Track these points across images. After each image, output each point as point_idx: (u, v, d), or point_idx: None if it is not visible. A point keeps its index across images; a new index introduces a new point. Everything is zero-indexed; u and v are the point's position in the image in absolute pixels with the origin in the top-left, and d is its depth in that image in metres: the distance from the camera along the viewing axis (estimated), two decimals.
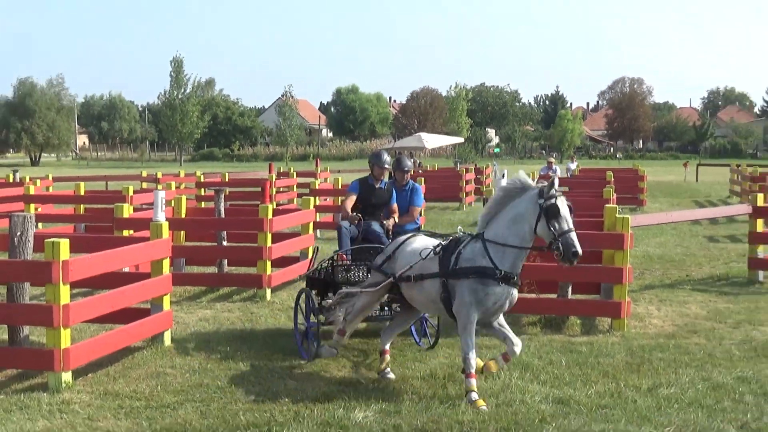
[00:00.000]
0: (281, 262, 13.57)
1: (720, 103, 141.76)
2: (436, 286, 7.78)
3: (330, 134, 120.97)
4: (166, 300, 9.84)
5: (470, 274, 7.57)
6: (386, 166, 10.86)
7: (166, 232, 10.04)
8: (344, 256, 9.88)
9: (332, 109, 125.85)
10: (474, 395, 7.41)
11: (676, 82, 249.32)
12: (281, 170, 35.50)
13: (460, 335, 7.69)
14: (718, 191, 37.80)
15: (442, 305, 7.86)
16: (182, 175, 32.84)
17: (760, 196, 14.88)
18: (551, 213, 7.34)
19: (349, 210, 10.37)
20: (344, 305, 8.72)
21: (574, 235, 7.38)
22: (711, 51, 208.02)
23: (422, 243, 8.27)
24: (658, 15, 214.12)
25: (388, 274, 8.27)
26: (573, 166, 38.85)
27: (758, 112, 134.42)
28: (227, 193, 17.93)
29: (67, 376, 8.05)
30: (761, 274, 14.03)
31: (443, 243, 8.01)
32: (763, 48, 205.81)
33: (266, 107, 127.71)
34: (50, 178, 28.78)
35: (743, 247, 16.31)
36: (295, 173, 32.76)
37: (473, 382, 7.49)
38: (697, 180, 47.33)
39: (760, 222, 14.22)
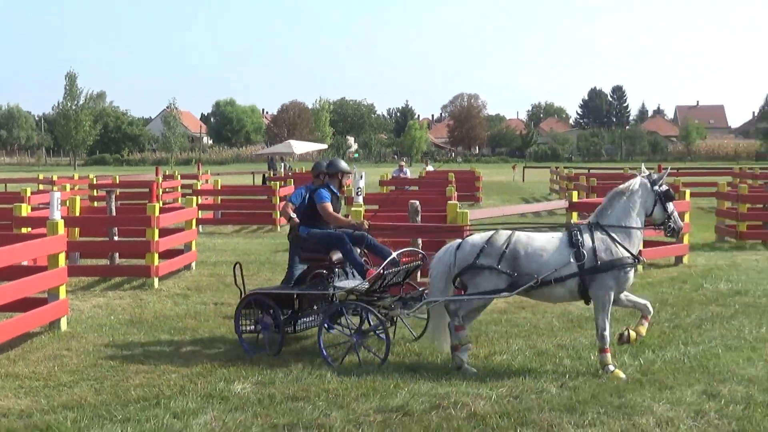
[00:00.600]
0: (167, 255, 13.39)
1: (542, 115, 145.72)
2: (576, 280, 7.55)
3: (210, 141, 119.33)
4: (62, 290, 9.59)
5: (617, 267, 7.52)
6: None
7: (61, 229, 9.83)
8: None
9: (212, 119, 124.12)
10: (611, 367, 7.41)
11: (506, 97, 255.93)
12: (167, 173, 35.03)
13: (598, 315, 7.61)
14: (540, 189, 38.89)
15: (578, 294, 7.70)
16: (76, 177, 32.18)
17: (575, 194, 15.44)
18: (667, 197, 7.73)
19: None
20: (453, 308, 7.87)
21: (677, 214, 7.88)
22: (534, 71, 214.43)
23: (541, 241, 7.85)
24: (490, 39, 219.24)
25: (509, 273, 7.62)
26: (431, 168, 39.51)
27: (572, 124, 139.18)
28: (118, 193, 17.50)
29: None
30: None
31: (564, 237, 7.79)
32: (576, 68, 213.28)
33: (153, 117, 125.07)
34: None
35: None
36: (179, 176, 32.46)
37: (608, 356, 7.48)
38: (523, 180, 48.65)
39: (575, 214, 14.71)
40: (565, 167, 41.24)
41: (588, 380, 7.23)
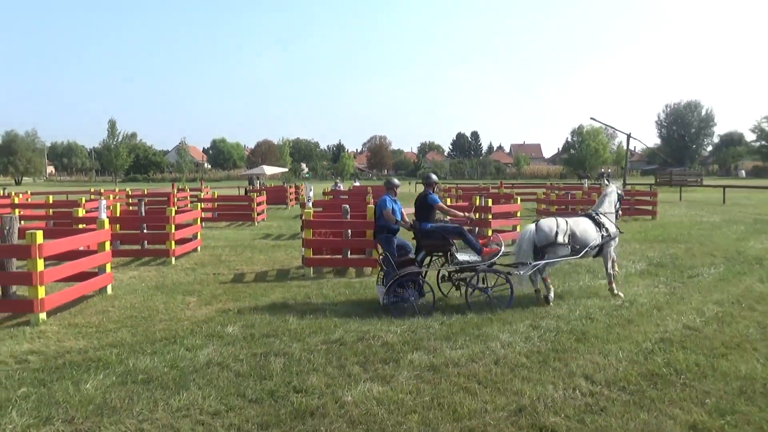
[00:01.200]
0: (181, 242, 13.04)
1: (427, 149, 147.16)
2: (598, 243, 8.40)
3: (209, 166, 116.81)
4: (108, 266, 9.21)
5: (615, 237, 8.66)
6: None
7: (107, 225, 9.49)
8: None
9: (210, 151, 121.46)
10: (619, 293, 8.48)
11: (404, 136, 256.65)
12: (179, 188, 34.06)
13: (607, 265, 8.60)
14: None
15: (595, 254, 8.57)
16: (117, 190, 30.92)
17: (448, 200, 15.53)
18: (621, 197, 9.15)
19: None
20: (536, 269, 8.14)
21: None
22: (421, 119, 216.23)
23: (583, 224, 8.46)
24: (396, 97, 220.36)
25: (570, 245, 8.25)
26: (357, 183, 39.62)
27: (446, 155, 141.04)
28: (146, 201, 16.91)
29: (43, 315, 7.41)
30: None
31: (591, 221, 8.55)
32: (449, 118, 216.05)
33: (169, 150, 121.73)
34: (29, 193, 26.27)
35: None
36: (188, 189, 31.82)
37: (614, 288, 8.53)
38: (416, 191, 48.89)
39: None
40: (441, 183, 41.70)
41: (458, 319, 7.33)
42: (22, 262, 9.00)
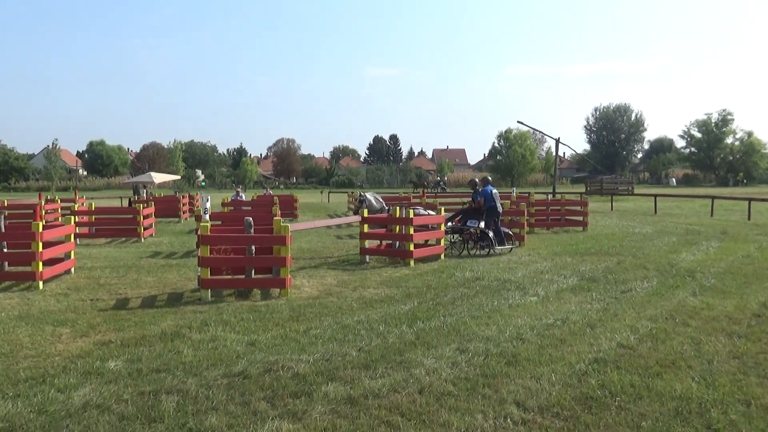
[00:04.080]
0: (50, 262, 12.30)
1: (340, 154, 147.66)
2: None
3: (85, 173, 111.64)
4: None
5: None
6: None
7: None
8: None
9: (86, 155, 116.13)
10: None
11: (315, 141, 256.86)
12: (48, 198, 32.33)
13: None
14: (341, 208, 39.34)
15: None
16: None
17: (365, 211, 15.68)
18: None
19: None
20: None
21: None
22: (334, 120, 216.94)
23: None
24: (301, 95, 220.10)
25: None
26: (269, 192, 39.03)
27: (363, 161, 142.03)
28: (6, 214, 15.92)
29: None
30: (367, 257, 14.78)
31: None
32: (364, 120, 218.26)
33: (36, 153, 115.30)
34: None
35: (356, 242, 17.10)
36: (59, 200, 30.26)
37: None
38: (329, 201, 49.02)
39: (366, 226, 14.98)
40: (354, 191, 41.94)
41: (378, 345, 7.37)
42: None
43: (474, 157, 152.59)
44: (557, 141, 46.42)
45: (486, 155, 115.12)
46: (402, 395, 5.72)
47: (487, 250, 15.83)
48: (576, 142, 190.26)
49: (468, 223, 16.30)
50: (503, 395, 5.72)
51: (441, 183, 74.10)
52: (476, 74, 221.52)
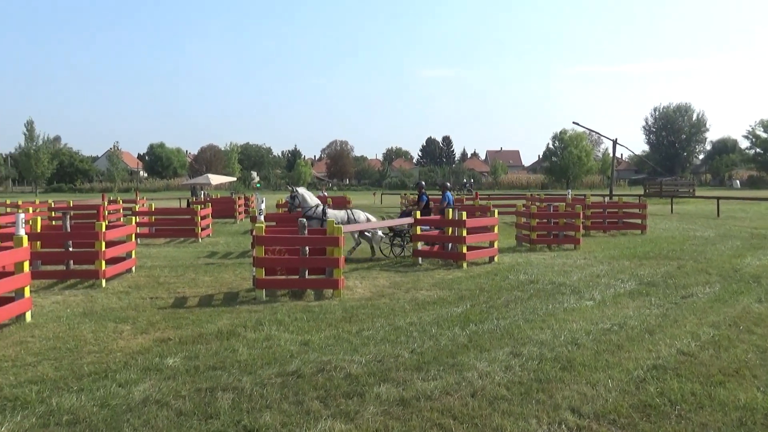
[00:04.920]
0: (112, 261, 12.76)
1: (393, 156, 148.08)
2: None
3: (145, 174, 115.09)
4: (27, 290, 8.98)
5: None
6: None
7: (25, 242, 9.22)
8: None
9: (146, 157, 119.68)
10: None
11: (368, 143, 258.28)
12: (111, 199, 33.45)
13: None
14: (394, 209, 39.44)
15: None
16: (37, 202, 30.23)
17: (417, 213, 15.68)
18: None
19: None
20: None
21: None
22: (387, 123, 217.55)
23: None
24: (354, 100, 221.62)
25: None
26: (324, 193, 39.37)
27: (415, 162, 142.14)
28: (72, 214, 16.54)
29: None
30: (420, 259, 14.76)
31: None
32: (417, 122, 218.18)
33: (99, 156, 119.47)
34: None
35: (408, 243, 17.09)
36: (121, 201, 31.29)
37: None
38: (381, 203, 49.20)
39: (418, 228, 14.96)
40: (410, 194, 41.98)
41: (431, 347, 7.35)
42: None
43: (528, 158, 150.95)
44: (614, 142, 45.39)
45: (540, 157, 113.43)
46: (454, 398, 5.69)
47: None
48: (634, 143, 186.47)
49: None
50: (558, 401, 5.62)
51: (468, 185, 73.79)
52: (531, 74, 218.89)
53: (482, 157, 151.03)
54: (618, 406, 5.51)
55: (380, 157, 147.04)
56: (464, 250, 14.18)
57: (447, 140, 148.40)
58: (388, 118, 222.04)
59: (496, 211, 16.68)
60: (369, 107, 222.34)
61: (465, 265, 14.02)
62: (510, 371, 6.43)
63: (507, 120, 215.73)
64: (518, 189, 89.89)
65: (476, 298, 10.40)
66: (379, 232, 15.85)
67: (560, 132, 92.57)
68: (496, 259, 14.95)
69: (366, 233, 15.69)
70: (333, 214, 15.79)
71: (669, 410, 5.44)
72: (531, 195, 35.95)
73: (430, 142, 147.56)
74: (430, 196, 18.16)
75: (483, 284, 11.76)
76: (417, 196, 17.91)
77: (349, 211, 16.07)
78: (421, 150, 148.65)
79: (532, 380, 6.15)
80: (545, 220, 18.62)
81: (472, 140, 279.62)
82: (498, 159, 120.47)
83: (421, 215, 15.56)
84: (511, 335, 7.86)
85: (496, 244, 15.31)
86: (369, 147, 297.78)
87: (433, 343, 7.53)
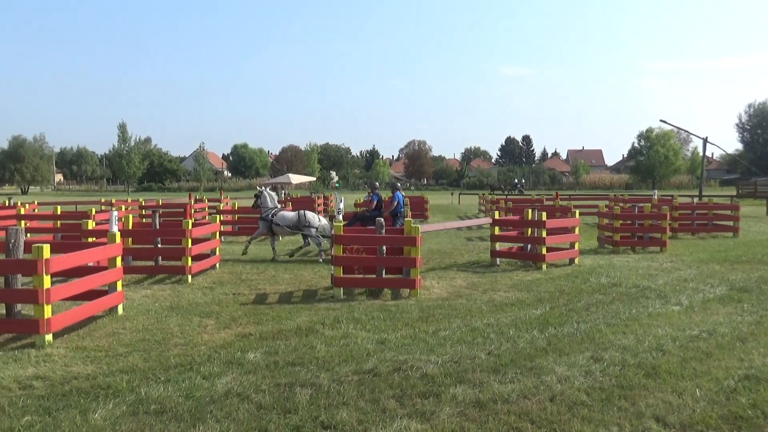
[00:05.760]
0: (197, 258, 13.24)
1: (471, 156, 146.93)
2: None
3: (229, 174, 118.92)
4: (119, 284, 9.42)
5: None
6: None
7: (118, 239, 9.65)
8: None
9: (230, 158, 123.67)
10: None
11: (446, 142, 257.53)
12: (197, 198, 34.70)
13: None
14: (471, 210, 39.13)
15: None
16: (129, 200, 31.74)
17: (496, 213, 15.51)
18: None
19: None
20: None
21: None
22: (466, 123, 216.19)
23: None
24: (434, 98, 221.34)
25: None
26: (285, 196, 39.79)
27: (494, 162, 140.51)
28: (161, 212, 17.25)
29: (49, 337, 7.59)
30: (498, 260, 14.59)
31: None
32: (496, 121, 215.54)
33: (186, 156, 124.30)
34: (36, 203, 27.14)
35: (486, 244, 16.94)
36: (206, 200, 32.41)
37: None
38: (459, 203, 48.91)
39: (496, 228, 14.81)
40: (489, 194, 41.56)
41: (508, 349, 7.24)
42: (27, 278, 9.30)
43: (612, 158, 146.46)
44: (705, 140, 43.41)
45: (625, 156, 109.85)
46: (532, 402, 5.59)
47: None
48: (726, 142, 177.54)
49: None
50: (641, 408, 5.42)
51: (519, 185, 72.18)
52: (615, 71, 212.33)
53: (563, 156, 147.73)
54: (706, 416, 5.26)
55: (458, 156, 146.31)
56: (543, 251, 13.93)
57: (527, 139, 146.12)
58: (467, 117, 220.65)
59: (577, 211, 16.27)
60: (447, 106, 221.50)
61: (544, 266, 13.76)
62: (590, 376, 6.26)
63: (589, 118, 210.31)
64: (601, 189, 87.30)
65: (556, 301, 10.18)
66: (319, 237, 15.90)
67: (646, 130, 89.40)
68: (576, 261, 14.59)
69: (312, 234, 16.00)
70: (282, 215, 16.41)
71: (762, 423, 5.15)
72: (614, 195, 34.86)
73: (510, 141, 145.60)
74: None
75: (563, 286, 11.50)
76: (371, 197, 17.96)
77: (300, 212, 16.39)
78: (500, 149, 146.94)
79: (613, 386, 5.96)
80: (629, 222, 18.02)
81: (552, 139, 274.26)
82: (579, 158, 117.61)
83: (370, 215, 16.12)
84: (592, 339, 7.65)
85: (576, 246, 14.93)
86: (447, 146, 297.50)
87: (510, 345, 7.42)
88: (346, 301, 10.37)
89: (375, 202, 17.20)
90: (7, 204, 26.86)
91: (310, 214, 16.27)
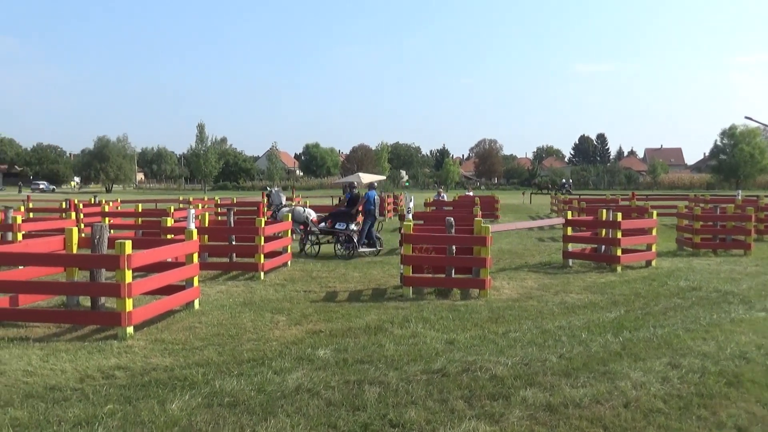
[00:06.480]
0: (270, 255, 13.53)
1: (544, 155, 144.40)
2: None
3: (301, 173, 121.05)
4: (196, 279, 9.74)
5: None
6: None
7: (195, 236, 9.98)
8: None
9: (302, 157, 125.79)
10: None
11: (518, 141, 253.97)
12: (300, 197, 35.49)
13: None
14: (543, 210, 38.44)
15: None
16: (206, 199, 32.71)
17: (569, 213, 15.18)
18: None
19: None
20: None
21: None
22: (539, 121, 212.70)
23: None
24: (506, 97, 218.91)
25: None
26: (471, 193, 39.46)
27: (567, 161, 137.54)
28: (235, 210, 17.72)
29: (130, 330, 7.91)
30: (570, 261, 14.29)
31: None
32: (569, 120, 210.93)
33: (260, 156, 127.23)
34: (119, 201, 28.39)
35: (559, 245, 16.62)
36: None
37: None
38: (530, 203, 48.14)
39: (569, 229, 14.50)
40: (560, 194, 40.71)
41: (580, 353, 7.08)
42: (110, 272, 9.75)
43: (692, 156, 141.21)
44: None
45: (706, 155, 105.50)
46: (605, 407, 5.44)
47: (351, 251, 16.13)
48: None
49: (336, 226, 16.57)
50: (722, 418, 5.19)
51: (566, 185, 69.99)
52: (697, 65, 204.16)
53: (640, 155, 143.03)
54: None
55: (530, 155, 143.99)
56: (619, 252, 13.53)
57: (602, 138, 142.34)
58: (539, 115, 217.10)
59: (655, 212, 15.72)
60: (519, 105, 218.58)
61: (619, 268, 13.38)
62: (667, 383, 6.03)
63: (669, 115, 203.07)
64: (680, 189, 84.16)
65: (631, 304, 9.88)
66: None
67: (729, 127, 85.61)
68: (653, 263, 14.11)
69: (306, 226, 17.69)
70: (283, 213, 19.03)
71: None
72: (695, 196, 33.51)
73: (584, 140, 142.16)
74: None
75: (639, 289, 11.15)
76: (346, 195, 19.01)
77: (296, 209, 18.84)
78: (573, 148, 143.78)
79: (692, 394, 5.73)
80: (710, 223, 17.29)
81: (629, 137, 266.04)
82: (657, 157, 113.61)
83: (344, 211, 16.95)
84: (669, 345, 7.38)
85: (654, 248, 14.44)
86: (518, 145, 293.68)
87: (583, 348, 7.25)
88: (415, 300, 10.37)
89: (348, 199, 17.99)
90: (92, 202, 28.17)
91: (298, 210, 19.12)
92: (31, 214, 23.54)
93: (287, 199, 23.50)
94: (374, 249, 16.90)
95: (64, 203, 24.15)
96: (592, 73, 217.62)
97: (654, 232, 14.66)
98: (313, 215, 18.82)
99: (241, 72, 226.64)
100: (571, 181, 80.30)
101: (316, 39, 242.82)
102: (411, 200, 15.91)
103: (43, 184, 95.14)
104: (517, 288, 11.45)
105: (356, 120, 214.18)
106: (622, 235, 13.67)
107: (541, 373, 6.35)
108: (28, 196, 37.11)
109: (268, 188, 19.39)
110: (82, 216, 20.94)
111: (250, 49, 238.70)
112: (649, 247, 14.42)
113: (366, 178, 55.46)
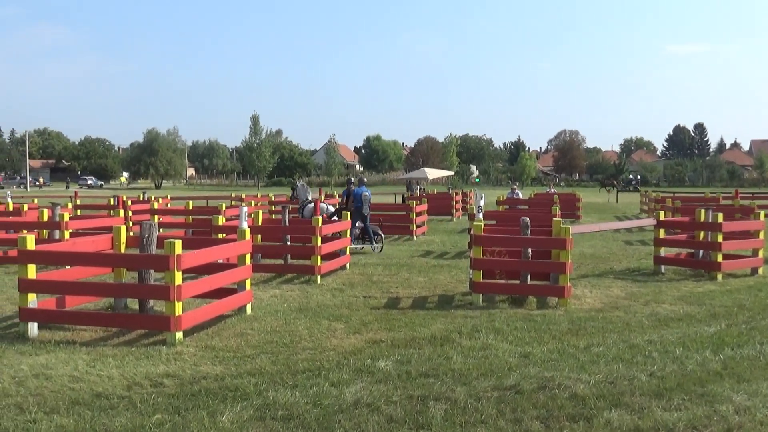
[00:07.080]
0: (327, 257, 13.63)
1: (632, 147, 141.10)
2: None
3: (361, 168, 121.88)
4: (248, 282, 9.91)
5: None
6: None
7: (248, 236, 10.16)
8: None
9: (363, 150, 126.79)
10: None
11: (602, 132, 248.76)
12: (327, 193, 35.84)
13: None
14: (631, 209, 37.54)
15: None
16: (259, 196, 33.41)
17: (662, 213, 14.78)
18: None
19: None
20: None
21: None
22: (626, 110, 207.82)
23: None
24: (588, 83, 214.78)
25: None
26: (551, 190, 39.08)
27: (659, 155, 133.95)
28: (290, 208, 18.03)
29: (179, 335, 8.12)
30: (662, 267, 13.91)
31: None
32: (663, 108, 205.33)
33: (317, 149, 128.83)
34: (168, 198, 29.26)
35: (649, 249, 16.19)
36: (337, 195, 33.38)
37: None
38: (617, 201, 47.09)
39: (662, 231, 14.12)
40: (653, 191, 39.71)
41: (674, 371, 6.87)
42: (159, 274, 10.04)
43: None
44: None
45: None
46: None
47: (361, 246, 17.64)
48: None
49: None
50: None
51: (633, 182, 67.58)
52: None
53: (745, 147, 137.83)
54: None
55: (617, 148, 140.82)
56: (719, 258, 13.08)
57: (700, 128, 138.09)
58: (627, 103, 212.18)
59: (762, 212, 15.13)
60: (603, 91, 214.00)
61: (720, 276, 12.94)
62: None
63: None
64: None
65: (733, 317, 9.54)
66: None
67: None
68: (760, 271, 13.58)
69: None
70: (309, 208, 20.31)
71: None
72: None
73: (679, 130, 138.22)
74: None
75: (743, 301, 10.75)
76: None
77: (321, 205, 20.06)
78: (666, 140, 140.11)
79: None
80: None
81: (732, 128, 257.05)
82: (765, 150, 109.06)
83: (342, 210, 17.73)
84: None
85: (761, 253, 13.89)
86: (603, 137, 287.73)
87: (677, 366, 7.03)
88: (485, 308, 10.30)
89: (345, 197, 18.44)
90: (141, 198, 29.16)
91: (322, 207, 20.14)
92: (79, 212, 24.58)
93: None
94: (372, 244, 17.81)
95: (112, 200, 25.11)
96: (686, 54, 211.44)
97: (761, 236, 14.13)
98: (330, 211, 20.11)
99: (296, 62, 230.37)
100: (639, 177, 78.06)
101: (375, 24, 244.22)
102: (482, 198, 15.77)
103: (91, 180, 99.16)
104: (601, 297, 11.22)
105: (421, 110, 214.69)
106: (724, 239, 13.21)
107: (629, 393, 6.19)
108: (75, 192, 38.67)
109: (297, 182, 20.41)
110: (130, 213, 21.72)
111: (306, 38, 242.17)
112: (755, 253, 13.89)
113: (432, 173, 55.58)
